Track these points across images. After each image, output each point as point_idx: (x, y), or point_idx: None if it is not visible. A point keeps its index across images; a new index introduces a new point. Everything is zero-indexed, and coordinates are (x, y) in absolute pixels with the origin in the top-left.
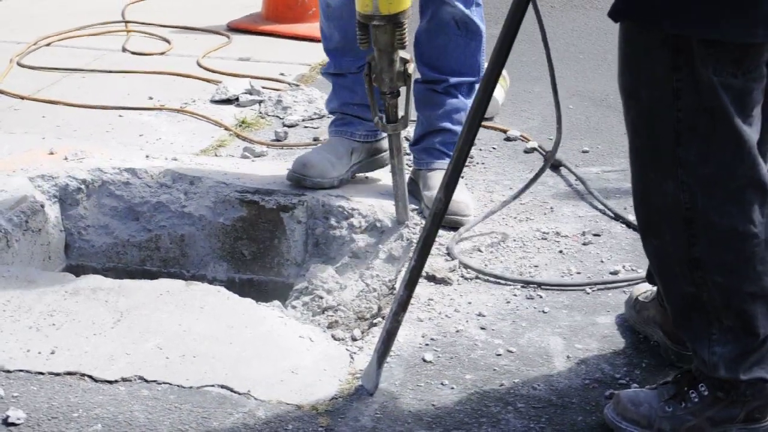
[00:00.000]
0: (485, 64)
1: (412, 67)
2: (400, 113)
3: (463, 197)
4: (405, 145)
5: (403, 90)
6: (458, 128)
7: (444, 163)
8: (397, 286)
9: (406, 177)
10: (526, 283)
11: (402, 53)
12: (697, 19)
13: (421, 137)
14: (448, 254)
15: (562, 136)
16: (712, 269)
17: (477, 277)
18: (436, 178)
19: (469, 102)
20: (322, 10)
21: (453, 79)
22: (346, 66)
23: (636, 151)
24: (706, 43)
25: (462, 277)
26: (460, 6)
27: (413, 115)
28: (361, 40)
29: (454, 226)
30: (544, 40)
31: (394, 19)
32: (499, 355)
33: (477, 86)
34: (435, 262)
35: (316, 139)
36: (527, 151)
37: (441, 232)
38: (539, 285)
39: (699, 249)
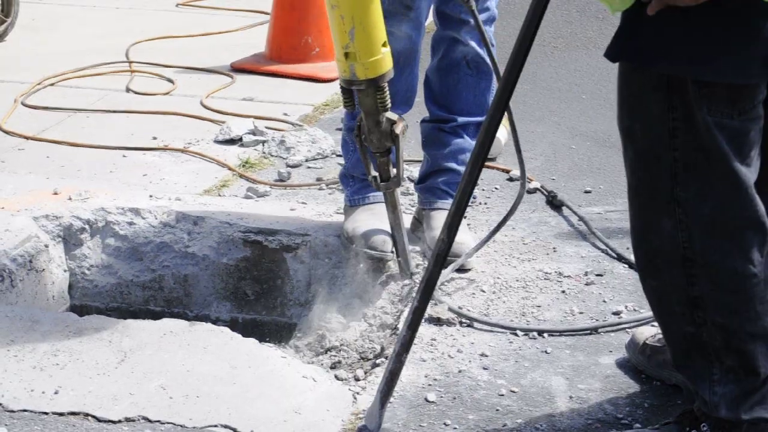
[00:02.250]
0: None
1: (400, 128)
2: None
3: (464, 238)
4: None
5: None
6: (463, 169)
7: (447, 203)
8: (400, 326)
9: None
10: (527, 331)
11: (389, 114)
12: (691, 59)
13: (425, 176)
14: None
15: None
16: (712, 309)
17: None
18: (438, 219)
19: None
20: None
21: (461, 119)
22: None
23: (634, 189)
24: (700, 83)
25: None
26: (473, 45)
27: (419, 154)
28: (345, 103)
29: (457, 268)
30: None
31: (373, 83)
32: (502, 395)
33: None
34: (438, 303)
35: (319, 179)
36: (530, 192)
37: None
38: (540, 332)
39: (698, 288)
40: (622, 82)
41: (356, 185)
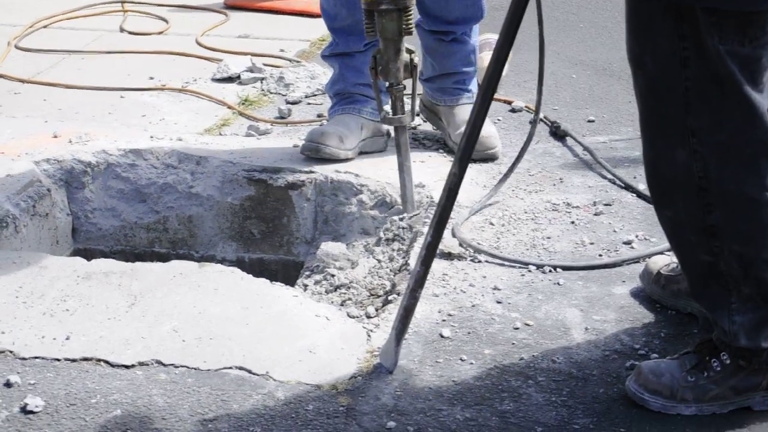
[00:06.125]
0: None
1: (417, 59)
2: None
3: (489, 130)
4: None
5: (408, 82)
6: (469, 68)
7: (463, 98)
8: (410, 261)
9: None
10: (539, 266)
11: (407, 44)
12: None
13: (433, 77)
14: (453, 236)
15: (537, 100)
16: (729, 237)
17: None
18: (459, 115)
19: (475, 41)
20: None
21: (460, 28)
22: (354, 45)
23: (646, 120)
24: (709, 11)
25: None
26: None
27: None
28: (368, 29)
29: (487, 159)
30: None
31: (401, 2)
32: (517, 328)
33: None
34: (448, 238)
35: (320, 116)
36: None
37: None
38: (554, 267)
39: (714, 217)
40: (631, 12)
41: (333, 102)
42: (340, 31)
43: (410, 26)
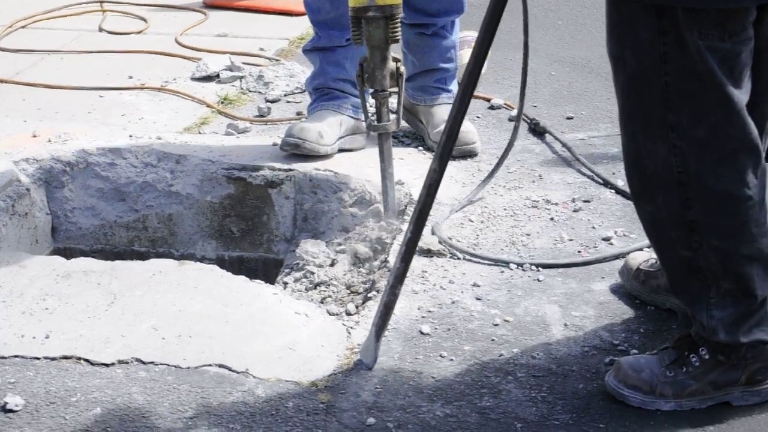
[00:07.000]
0: None
1: (403, 68)
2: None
3: (467, 126)
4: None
5: (394, 90)
6: (448, 65)
7: (443, 98)
8: (390, 258)
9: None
10: (519, 264)
11: (393, 53)
12: None
13: (414, 76)
14: (432, 233)
15: (522, 101)
16: (708, 232)
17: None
18: (438, 114)
19: (455, 38)
20: None
21: (441, 21)
22: (335, 39)
23: (626, 115)
24: (689, 8)
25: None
26: None
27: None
28: (354, 36)
29: (466, 155)
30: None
31: (388, 10)
32: (497, 325)
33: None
34: (428, 235)
35: (299, 114)
36: (512, 119)
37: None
38: (537, 266)
39: (694, 213)
40: (611, 7)
41: (312, 98)
42: (323, 25)
43: (397, 34)
